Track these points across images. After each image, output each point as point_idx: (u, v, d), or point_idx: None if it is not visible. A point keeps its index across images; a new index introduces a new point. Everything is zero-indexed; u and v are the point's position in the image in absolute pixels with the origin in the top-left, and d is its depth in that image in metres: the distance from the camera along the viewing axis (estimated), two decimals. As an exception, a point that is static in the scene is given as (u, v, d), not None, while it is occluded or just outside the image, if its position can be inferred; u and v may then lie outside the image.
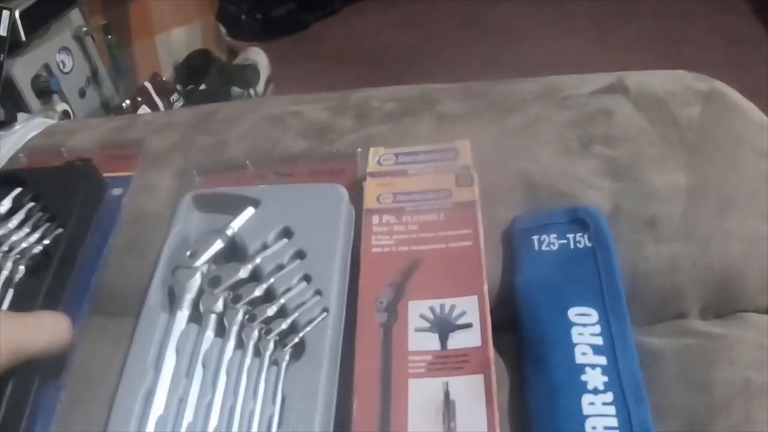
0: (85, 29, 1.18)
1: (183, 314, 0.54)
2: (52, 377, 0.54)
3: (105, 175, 0.67)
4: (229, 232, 0.56)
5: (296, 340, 0.49)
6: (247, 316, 0.51)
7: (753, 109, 0.68)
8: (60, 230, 0.60)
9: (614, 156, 0.61)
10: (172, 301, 0.55)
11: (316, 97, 0.75)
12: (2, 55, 0.93)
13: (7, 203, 0.63)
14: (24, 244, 0.59)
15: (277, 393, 0.48)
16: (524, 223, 0.56)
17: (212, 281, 0.53)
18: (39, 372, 0.53)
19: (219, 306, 0.52)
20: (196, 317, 0.53)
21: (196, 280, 0.54)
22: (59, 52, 1.16)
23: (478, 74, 1.57)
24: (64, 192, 0.63)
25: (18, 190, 0.64)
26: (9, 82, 1.05)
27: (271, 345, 0.50)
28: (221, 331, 0.52)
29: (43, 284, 0.56)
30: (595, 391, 0.46)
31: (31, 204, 0.63)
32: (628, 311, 0.52)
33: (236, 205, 0.58)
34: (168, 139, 0.71)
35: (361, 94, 0.73)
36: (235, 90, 1.41)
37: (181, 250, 0.56)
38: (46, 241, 0.60)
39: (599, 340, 0.48)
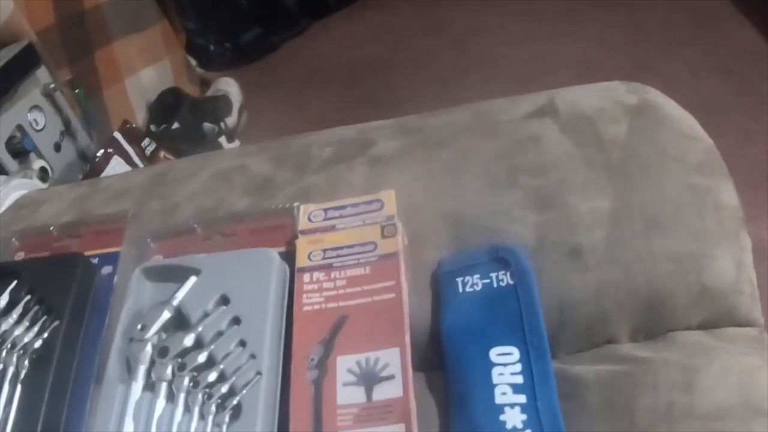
0: (53, 86, 1.21)
1: (138, 384, 0.57)
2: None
3: (94, 252, 0.70)
4: (174, 302, 0.59)
5: (234, 402, 0.53)
6: (191, 383, 0.55)
7: (685, 118, 0.69)
8: (57, 322, 0.63)
9: (539, 185, 0.62)
10: (129, 370, 0.58)
11: (261, 147, 0.77)
12: (-27, 125, 0.95)
13: (5, 297, 0.65)
14: (26, 339, 0.62)
15: (220, 453, 0.51)
16: (449, 266, 0.58)
17: (161, 351, 0.57)
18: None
19: (168, 374, 0.56)
20: (150, 385, 0.57)
21: (148, 352, 0.58)
22: (30, 111, 1.19)
23: (446, 80, 1.60)
24: (56, 283, 0.66)
25: (14, 283, 0.66)
26: (-17, 147, 1.08)
27: (213, 408, 0.53)
28: (171, 396, 0.56)
29: (48, 377, 0.60)
30: (514, 430, 0.48)
31: (28, 297, 0.65)
32: (555, 341, 0.54)
33: (180, 274, 0.61)
34: (125, 205, 0.74)
35: (303, 141, 0.76)
36: (207, 126, 1.43)
37: (135, 322, 0.60)
38: (46, 335, 0.62)
39: (519, 379, 0.51)
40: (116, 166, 1.20)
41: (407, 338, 0.52)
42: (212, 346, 0.56)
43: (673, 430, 0.49)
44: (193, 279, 0.60)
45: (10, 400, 0.60)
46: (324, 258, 0.58)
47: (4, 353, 0.62)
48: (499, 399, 0.50)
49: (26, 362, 0.61)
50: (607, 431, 0.50)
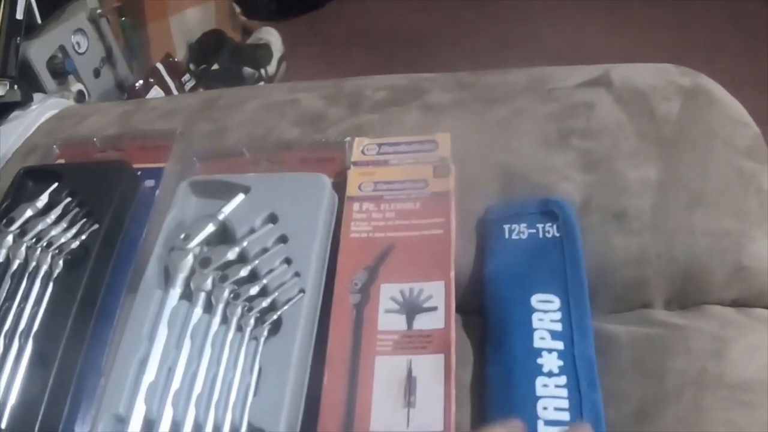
0: (99, 11, 1.22)
1: (175, 292, 0.58)
2: (93, 364, 0.58)
3: (137, 166, 0.70)
4: (220, 217, 0.60)
5: (274, 317, 0.53)
6: (232, 295, 0.55)
7: (734, 105, 0.69)
8: (96, 226, 0.63)
9: (590, 149, 0.63)
10: (167, 278, 0.59)
11: (313, 84, 0.78)
12: (19, 38, 0.96)
13: (44, 198, 0.66)
14: (62, 240, 0.63)
15: (255, 364, 0.52)
16: (497, 212, 0.59)
17: (203, 262, 0.58)
18: (79, 359, 0.58)
19: (208, 285, 0.57)
20: (188, 294, 0.58)
21: (189, 261, 0.58)
22: (74, 33, 1.20)
23: (490, 57, 1.59)
24: (99, 188, 0.66)
25: (54, 185, 0.67)
26: (25, 63, 1.09)
27: (252, 321, 0.54)
28: (209, 308, 0.56)
29: (82, 279, 0.60)
30: (550, 374, 0.49)
31: (68, 200, 0.66)
32: (593, 299, 0.55)
33: (228, 191, 0.61)
34: (172, 125, 0.75)
35: (356, 83, 0.76)
36: (247, 70, 1.44)
37: (177, 233, 0.60)
38: (83, 237, 0.63)
39: (558, 326, 0.52)
40: (155, 96, 1.21)
41: (452, 273, 0.53)
42: (256, 262, 0.56)
43: (701, 395, 0.49)
44: (241, 196, 0.61)
45: (40, 298, 0.61)
46: (374, 190, 0.59)
47: (38, 251, 0.63)
48: (537, 343, 0.51)
49: (60, 262, 0.62)
50: (638, 388, 0.50)
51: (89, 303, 0.61)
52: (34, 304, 0.60)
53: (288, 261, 0.56)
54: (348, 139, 0.65)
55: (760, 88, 1.39)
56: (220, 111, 0.75)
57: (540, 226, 0.57)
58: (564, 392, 0.48)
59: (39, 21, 1.11)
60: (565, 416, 0.47)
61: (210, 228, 0.60)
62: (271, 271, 0.56)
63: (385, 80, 0.76)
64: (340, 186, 0.61)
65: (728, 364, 0.51)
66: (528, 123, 0.66)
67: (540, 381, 0.49)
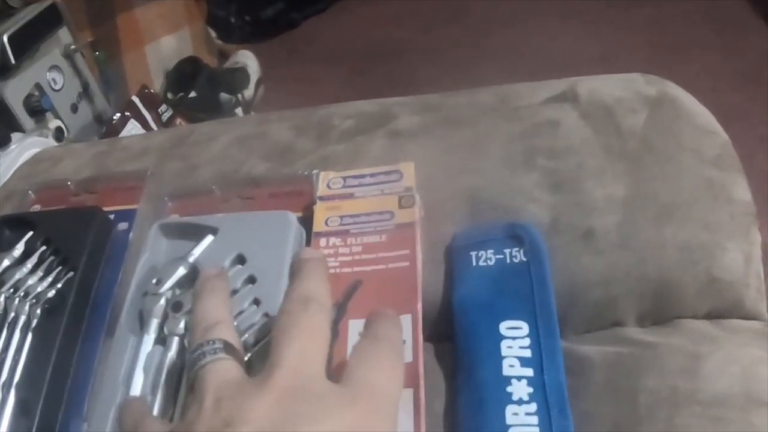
0: (73, 47, 1.22)
1: (150, 337, 0.58)
2: (75, 410, 0.59)
3: (111, 208, 0.71)
4: (190, 260, 0.60)
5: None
6: (204, 339, 0.55)
7: (702, 113, 0.69)
8: (71, 273, 0.64)
9: (556, 168, 0.63)
10: (142, 323, 0.59)
11: (282, 115, 0.78)
12: (-7, 81, 0.97)
13: (20, 247, 0.67)
14: (39, 288, 0.64)
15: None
16: (463, 240, 0.59)
17: (175, 306, 0.58)
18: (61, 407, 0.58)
19: (181, 329, 0.57)
20: (162, 338, 0.58)
21: (161, 306, 0.59)
22: (49, 70, 1.20)
23: (464, 68, 1.60)
24: (73, 235, 0.67)
25: (29, 234, 0.68)
26: (1, 104, 1.10)
27: (224, 364, 0.54)
28: (183, 352, 0.56)
29: (60, 327, 0.61)
30: (520, 402, 0.49)
31: (43, 248, 0.67)
32: (564, 321, 0.55)
33: (197, 233, 0.62)
34: (144, 164, 0.75)
35: (325, 111, 0.76)
36: (224, 96, 1.44)
37: (149, 277, 0.61)
38: (59, 285, 0.64)
39: (527, 353, 0.52)
40: (132, 130, 1.21)
41: (419, 306, 0.53)
42: (226, 304, 0.57)
43: (675, 414, 0.49)
44: (210, 237, 0.61)
45: (20, 347, 0.61)
46: (341, 224, 0.59)
47: (16, 301, 0.63)
48: (506, 371, 0.51)
49: (38, 311, 0.62)
50: (611, 410, 0.51)
51: (68, 350, 0.61)
52: (14, 354, 0.61)
53: (257, 302, 0.56)
54: (315, 171, 0.65)
55: (736, 84, 1.39)
56: (190, 148, 0.76)
57: (507, 251, 0.57)
58: (534, 419, 0.48)
59: (13, 61, 1.12)
60: (537, 443, 0.48)
61: (181, 271, 0.60)
62: (241, 312, 0.56)
63: (353, 107, 0.76)
64: (309, 220, 0.62)
65: (701, 380, 0.51)
66: (494, 144, 0.66)
67: (510, 409, 0.49)
